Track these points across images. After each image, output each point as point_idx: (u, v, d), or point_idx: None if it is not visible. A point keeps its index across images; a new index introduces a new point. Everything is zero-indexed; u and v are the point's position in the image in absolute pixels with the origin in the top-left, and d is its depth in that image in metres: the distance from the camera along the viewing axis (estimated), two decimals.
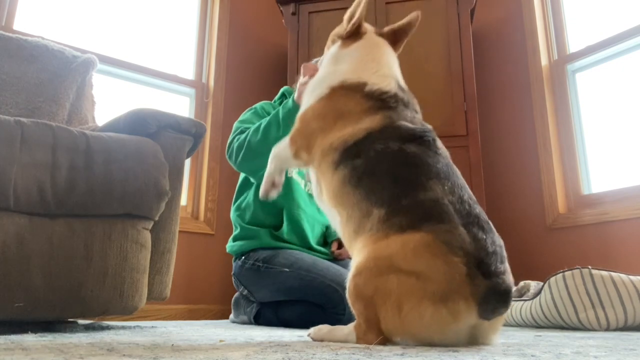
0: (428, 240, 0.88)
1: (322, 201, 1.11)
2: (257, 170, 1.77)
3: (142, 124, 1.47)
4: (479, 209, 0.96)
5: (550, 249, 2.68)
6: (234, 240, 1.97)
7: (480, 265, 0.87)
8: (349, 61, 1.15)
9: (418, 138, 1.01)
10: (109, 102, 2.68)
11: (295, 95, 1.64)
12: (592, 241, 2.50)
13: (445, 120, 2.61)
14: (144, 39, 2.99)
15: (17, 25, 2.47)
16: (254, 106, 2.03)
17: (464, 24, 2.71)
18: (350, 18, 1.21)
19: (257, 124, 1.75)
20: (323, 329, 1.03)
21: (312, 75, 1.45)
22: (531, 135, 2.87)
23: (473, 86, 2.62)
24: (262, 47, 3.36)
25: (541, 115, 2.83)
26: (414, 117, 1.07)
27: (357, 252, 0.96)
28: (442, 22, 2.75)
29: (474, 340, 0.91)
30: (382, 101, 1.05)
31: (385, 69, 1.14)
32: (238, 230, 1.95)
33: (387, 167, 0.98)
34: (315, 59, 1.41)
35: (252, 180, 1.94)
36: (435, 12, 2.77)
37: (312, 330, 1.05)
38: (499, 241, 0.94)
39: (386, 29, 1.26)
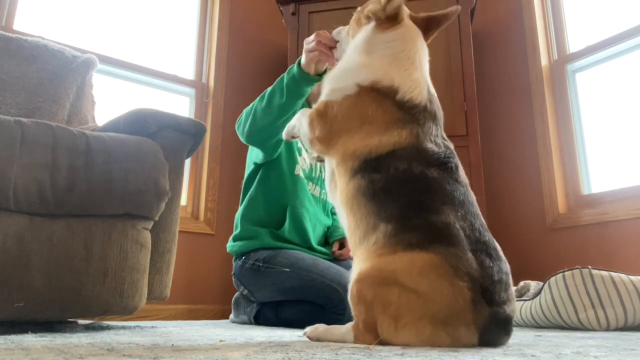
0: (436, 261, 0.87)
1: (335, 198, 1.09)
2: (265, 140, 1.76)
3: (142, 124, 1.47)
4: (488, 237, 0.96)
5: (550, 249, 2.68)
6: (234, 240, 1.97)
7: (485, 292, 0.86)
8: (383, 54, 1.07)
9: (442, 164, 0.99)
10: (109, 102, 2.68)
11: (303, 60, 1.48)
12: (592, 241, 2.50)
13: (445, 120, 2.59)
14: (144, 39, 2.99)
15: (17, 25, 2.47)
16: None
17: (464, 24, 2.71)
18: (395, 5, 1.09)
19: (264, 91, 1.68)
20: (319, 327, 1.03)
21: (323, 46, 1.35)
22: (531, 135, 2.87)
23: (473, 86, 2.62)
24: (262, 47, 3.36)
25: (541, 115, 2.83)
26: (437, 135, 1.05)
27: (359, 262, 0.95)
28: None
29: None
30: (411, 115, 1.02)
31: (418, 72, 1.09)
32: (238, 230, 1.96)
33: (404, 189, 0.96)
34: (339, 28, 1.26)
35: (258, 161, 1.92)
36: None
37: (308, 329, 1.05)
38: (506, 268, 0.93)
39: (422, 15, 1.17)
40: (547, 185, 2.74)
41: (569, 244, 2.60)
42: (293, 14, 2.92)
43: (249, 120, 1.72)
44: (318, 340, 1.01)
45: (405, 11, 1.14)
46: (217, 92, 3.08)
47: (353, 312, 0.94)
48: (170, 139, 1.52)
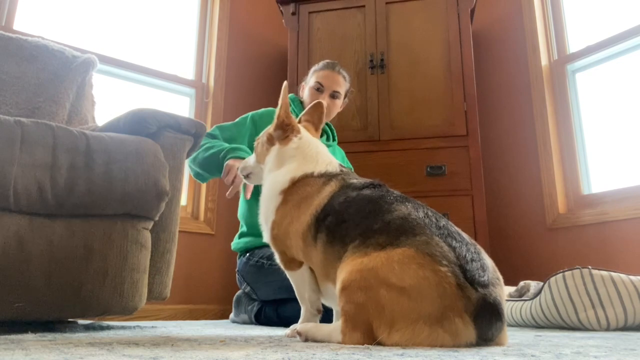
0: (411, 253, 0.87)
1: (325, 283, 1.11)
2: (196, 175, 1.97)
3: (142, 124, 1.47)
4: (444, 221, 0.97)
5: (550, 249, 2.68)
6: (240, 237, 2.02)
7: (465, 274, 0.85)
8: (293, 160, 1.22)
9: (369, 185, 1.11)
10: (109, 102, 2.68)
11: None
12: (592, 241, 2.50)
13: (445, 120, 2.62)
14: (144, 39, 2.99)
15: (17, 25, 2.47)
16: (246, 115, 2.07)
17: (464, 24, 2.71)
18: (281, 122, 1.26)
19: (206, 149, 1.88)
20: (309, 324, 1.04)
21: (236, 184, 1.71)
22: (531, 135, 2.87)
23: (473, 86, 2.62)
24: (262, 47, 3.36)
25: (541, 115, 2.83)
26: (358, 178, 1.19)
27: (338, 275, 0.96)
28: (442, 22, 2.75)
29: None
30: (332, 175, 1.17)
31: (324, 159, 1.24)
32: (244, 228, 1.99)
33: (353, 210, 1.03)
34: (242, 163, 1.43)
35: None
36: (435, 12, 2.77)
37: (299, 326, 1.05)
38: (474, 249, 0.93)
39: (305, 120, 1.35)
40: (547, 185, 2.74)
41: (569, 244, 2.60)
42: (293, 14, 2.92)
43: (192, 162, 1.92)
44: (307, 336, 1.01)
45: (295, 123, 1.28)
46: (217, 92, 3.08)
47: (341, 312, 0.93)
48: (171, 139, 1.52)
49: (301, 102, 2.16)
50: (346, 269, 0.93)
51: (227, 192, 1.74)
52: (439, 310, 0.83)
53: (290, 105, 2.14)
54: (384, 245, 0.91)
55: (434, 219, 0.96)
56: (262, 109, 2.09)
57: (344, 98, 2.16)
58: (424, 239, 0.90)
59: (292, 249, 1.15)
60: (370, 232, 0.95)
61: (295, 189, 1.16)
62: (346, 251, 0.97)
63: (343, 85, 2.11)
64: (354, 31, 2.85)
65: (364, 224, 0.98)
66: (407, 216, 0.95)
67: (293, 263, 1.17)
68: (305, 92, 2.14)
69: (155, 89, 2.97)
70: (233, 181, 1.71)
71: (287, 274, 1.20)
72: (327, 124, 2.23)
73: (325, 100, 2.05)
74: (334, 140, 2.24)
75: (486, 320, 0.84)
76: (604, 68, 2.72)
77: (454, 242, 0.91)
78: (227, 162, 1.77)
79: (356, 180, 1.15)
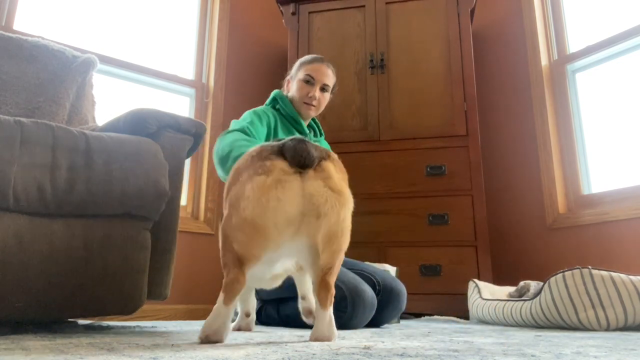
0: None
1: None
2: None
3: (142, 124, 1.47)
4: None
5: (550, 249, 2.68)
6: None
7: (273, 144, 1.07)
8: None
9: None
10: (109, 102, 2.68)
11: None
12: (592, 241, 2.50)
13: (445, 120, 2.62)
14: (144, 39, 2.99)
15: (17, 25, 2.47)
16: (255, 109, 2.02)
17: (464, 24, 2.71)
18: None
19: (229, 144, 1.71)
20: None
21: None
22: (531, 135, 2.87)
23: (473, 86, 2.62)
24: (262, 47, 3.36)
25: (541, 115, 2.83)
26: None
27: None
28: (442, 22, 2.75)
29: (314, 208, 0.99)
30: None
31: None
32: None
33: None
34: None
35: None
36: (435, 12, 2.78)
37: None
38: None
39: None
40: (547, 185, 2.74)
41: (569, 244, 2.60)
42: (293, 14, 2.92)
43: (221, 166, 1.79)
44: (211, 329, 0.98)
45: None
46: (217, 92, 3.08)
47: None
48: (171, 139, 1.52)
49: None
50: None
51: None
52: (255, 168, 1.02)
53: (278, 102, 2.09)
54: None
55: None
56: (260, 107, 2.05)
57: (330, 93, 2.13)
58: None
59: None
60: None
61: None
62: None
63: (332, 78, 2.09)
64: (353, 31, 2.85)
65: None
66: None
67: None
68: (293, 86, 2.07)
69: (155, 89, 2.97)
70: None
71: None
72: (313, 119, 2.19)
73: (316, 93, 2.03)
74: (320, 135, 2.22)
75: (290, 151, 1.01)
76: (604, 68, 2.72)
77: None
78: None
79: None
